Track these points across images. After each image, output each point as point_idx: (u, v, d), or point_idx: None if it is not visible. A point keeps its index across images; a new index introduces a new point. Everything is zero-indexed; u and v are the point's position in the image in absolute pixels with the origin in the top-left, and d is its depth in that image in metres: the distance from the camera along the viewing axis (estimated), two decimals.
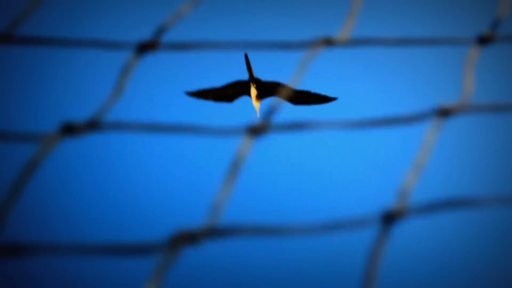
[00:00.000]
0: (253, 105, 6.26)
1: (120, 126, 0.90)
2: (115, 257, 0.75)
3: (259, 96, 6.40)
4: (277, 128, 0.88)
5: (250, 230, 0.78)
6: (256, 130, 0.88)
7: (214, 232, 0.74)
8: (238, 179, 0.82)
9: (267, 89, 6.40)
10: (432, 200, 0.86)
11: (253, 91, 6.39)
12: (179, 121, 0.89)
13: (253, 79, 6.34)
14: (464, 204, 0.89)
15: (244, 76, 6.26)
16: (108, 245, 0.75)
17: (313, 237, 0.81)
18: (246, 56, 6.21)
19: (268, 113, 0.96)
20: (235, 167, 0.82)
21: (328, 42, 1.04)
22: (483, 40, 1.10)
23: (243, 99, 6.40)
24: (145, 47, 0.99)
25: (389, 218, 0.85)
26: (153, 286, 0.71)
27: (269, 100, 6.33)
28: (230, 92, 6.33)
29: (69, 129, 0.88)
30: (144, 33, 1.02)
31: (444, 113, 0.96)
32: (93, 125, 0.89)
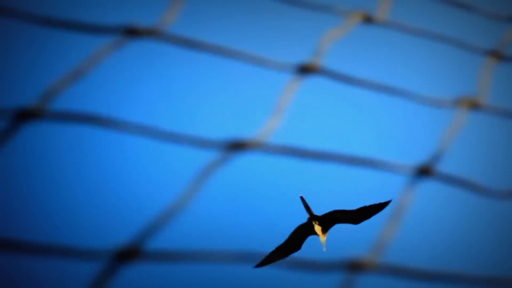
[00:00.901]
0: (320, 241, 6.61)
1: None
2: None
3: (324, 230, 6.62)
4: None
5: None
6: None
7: None
8: None
9: (328, 221, 6.68)
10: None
11: (318, 228, 6.64)
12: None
13: (314, 218, 6.72)
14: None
15: (298, 217, 6.70)
16: None
17: None
18: (302, 199, 6.75)
19: None
20: None
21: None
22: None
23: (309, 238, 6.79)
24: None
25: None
26: None
27: (333, 229, 6.62)
28: (295, 240, 6.67)
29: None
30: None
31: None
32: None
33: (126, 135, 0.84)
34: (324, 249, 6.46)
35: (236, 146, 0.87)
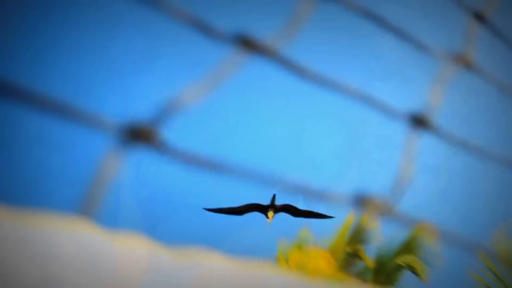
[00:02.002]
0: (266, 219, 8.37)
1: None
2: None
3: (273, 215, 8.41)
4: None
5: None
6: None
7: None
8: None
9: (279, 210, 8.37)
10: None
11: (271, 213, 8.39)
12: None
13: (273, 206, 8.41)
14: None
15: (261, 200, 8.60)
16: None
17: None
18: (274, 196, 8.44)
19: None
20: None
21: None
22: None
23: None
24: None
25: None
26: None
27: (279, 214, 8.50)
28: (245, 210, 8.60)
29: None
30: None
31: None
32: None
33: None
34: (268, 226, 8.36)
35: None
